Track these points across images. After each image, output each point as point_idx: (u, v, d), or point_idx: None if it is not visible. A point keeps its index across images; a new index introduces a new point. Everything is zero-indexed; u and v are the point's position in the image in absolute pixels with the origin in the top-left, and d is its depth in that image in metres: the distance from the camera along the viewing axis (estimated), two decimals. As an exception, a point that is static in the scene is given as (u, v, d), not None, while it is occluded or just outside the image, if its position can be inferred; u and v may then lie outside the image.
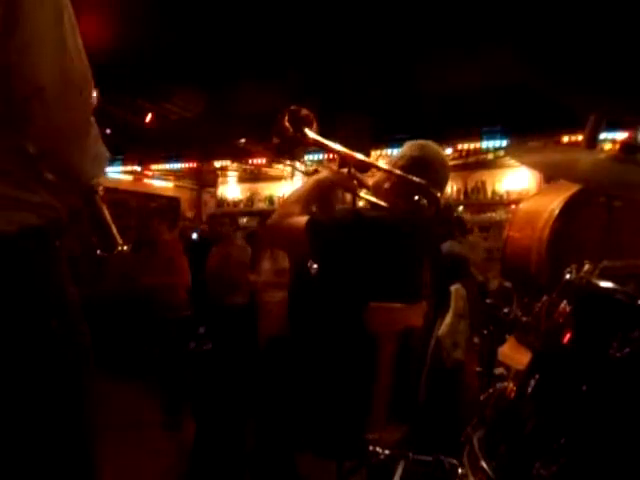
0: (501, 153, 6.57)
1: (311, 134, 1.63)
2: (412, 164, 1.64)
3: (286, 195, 1.74)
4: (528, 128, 5.60)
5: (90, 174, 1.12)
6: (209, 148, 7.38)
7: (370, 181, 1.70)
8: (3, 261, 0.90)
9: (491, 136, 6.30)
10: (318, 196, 1.67)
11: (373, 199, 1.68)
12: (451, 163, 6.99)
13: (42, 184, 0.98)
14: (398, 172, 1.61)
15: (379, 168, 1.69)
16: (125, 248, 1.25)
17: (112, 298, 4.37)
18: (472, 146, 6.54)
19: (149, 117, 6.42)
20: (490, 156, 6.79)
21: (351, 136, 5.43)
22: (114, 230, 1.23)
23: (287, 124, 1.61)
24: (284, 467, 1.53)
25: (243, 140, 6.59)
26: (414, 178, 1.57)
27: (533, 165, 1.55)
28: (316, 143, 1.65)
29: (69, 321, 0.99)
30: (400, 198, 1.61)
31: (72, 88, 0.96)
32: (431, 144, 1.72)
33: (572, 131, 5.25)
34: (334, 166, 1.69)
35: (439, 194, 1.58)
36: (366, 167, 1.67)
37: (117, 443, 2.31)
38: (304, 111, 1.63)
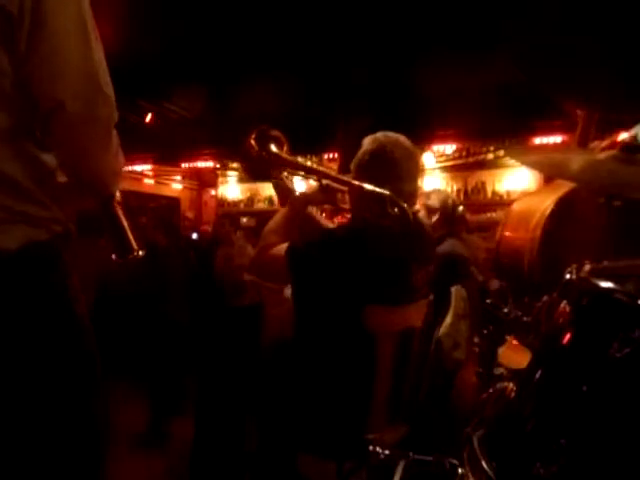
0: (501, 153, 6.58)
1: (276, 150, 1.58)
2: (369, 163, 1.58)
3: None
4: (527, 128, 5.60)
5: (109, 186, 1.12)
6: (210, 148, 7.37)
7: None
8: (4, 279, 0.90)
9: (491, 136, 6.30)
10: (296, 220, 1.64)
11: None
12: (451, 163, 7.02)
13: (55, 198, 0.98)
14: (357, 183, 1.54)
15: (342, 182, 1.60)
16: (140, 253, 1.22)
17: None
18: (472, 146, 6.54)
19: (149, 117, 6.41)
20: (490, 156, 6.81)
21: (351, 137, 5.43)
22: (130, 236, 1.22)
23: (253, 142, 1.58)
24: (285, 467, 1.53)
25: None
26: (373, 189, 1.50)
27: (533, 165, 1.54)
28: (283, 161, 1.61)
29: (76, 333, 0.99)
30: (371, 206, 1.54)
31: (93, 102, 0.95)
32: (387, 137, 1.61)
33: (570, 131, 5.24)
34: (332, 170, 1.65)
35: (405, 204, 1.49)
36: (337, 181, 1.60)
37: (117, 443, 2.30)
38: (274, 132, 1.59)
